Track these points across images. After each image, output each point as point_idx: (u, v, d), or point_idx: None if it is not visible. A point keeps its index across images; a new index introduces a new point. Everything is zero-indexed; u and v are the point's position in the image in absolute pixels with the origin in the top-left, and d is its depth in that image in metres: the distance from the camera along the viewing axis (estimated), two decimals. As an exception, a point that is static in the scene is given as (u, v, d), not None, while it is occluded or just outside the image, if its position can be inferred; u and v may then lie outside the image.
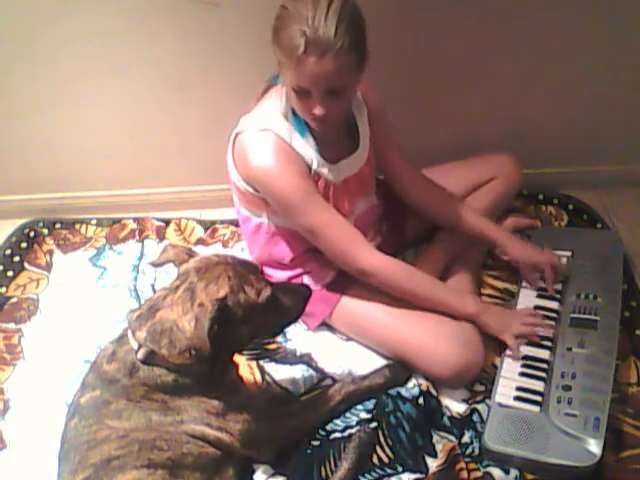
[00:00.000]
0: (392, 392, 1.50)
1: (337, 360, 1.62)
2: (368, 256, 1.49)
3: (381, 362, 1.59)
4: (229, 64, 1.85)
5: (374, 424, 1.44)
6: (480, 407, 1.48)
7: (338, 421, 1.48)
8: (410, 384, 1.52)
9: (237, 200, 1.62)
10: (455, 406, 1.51)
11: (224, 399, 1.29)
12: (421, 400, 1.48)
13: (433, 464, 1.40)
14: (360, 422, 1.46)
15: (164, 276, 1.87)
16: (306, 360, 1.64)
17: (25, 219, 2.17)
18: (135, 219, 2.15)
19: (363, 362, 1.60)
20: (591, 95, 1.93)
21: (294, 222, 1.50)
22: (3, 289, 1.94)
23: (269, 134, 1.42)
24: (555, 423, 1.36)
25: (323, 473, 1.39)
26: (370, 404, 1.49)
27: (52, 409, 1.56)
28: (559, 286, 1.68)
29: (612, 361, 1.47)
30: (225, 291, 1.20)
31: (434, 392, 1.51)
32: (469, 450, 1.41)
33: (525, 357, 1.51)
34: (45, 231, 2.14)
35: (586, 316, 1.58)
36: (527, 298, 1.67)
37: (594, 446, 1.31)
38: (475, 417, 1.47)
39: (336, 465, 1.39)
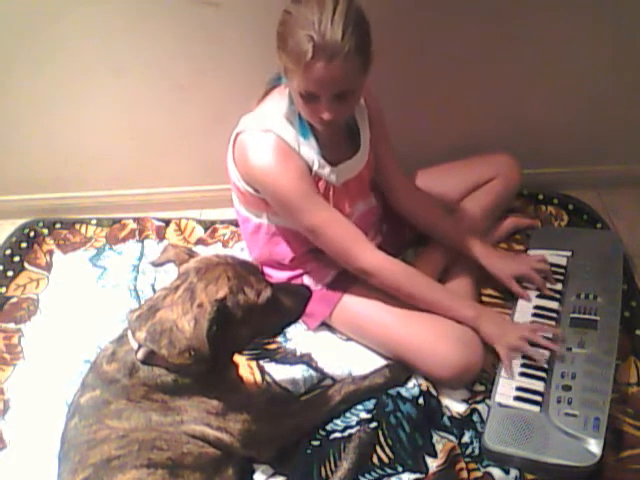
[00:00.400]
0: (392, 392, 1.50)
1: (337, 360, 1.62)
2: (369, 255, 1.49)
3: (381, 362, 1.59)
4: (229, 64, 1.85)
5: (374, 424, 1.44)
6: (480, 407, 1.48)
7: (338, 421, 1.48)
8: (410, 384, 1.52)
9: (237, 200, 1.62)
10: (455, 406, 1.51)
11: (224, 399, 1.28)
12: (421, 400, 1.48)
13: (433, 464, 1.40)
14: (360, 422, 1.46)
15: (164, 276, 1.88)
16: (306, 360, 1.64)
17: (25, 219, 2.17)
18: (135, 219, 2.15)
19: (363, 362, 1.60)
20: (591, 95, 1.93)
21: (295, 222, 1.50)
22: (3, 289, 1.94)
23: (271, 135, 1.42)
24: (555, 423, 1.36)
25: (323, 473, 1.39)
26: (370, 404, 1.49)
27: (52, 409, 1.56)
28: (559, 286, 1.68)
29: (612, 361, 1.47)
30: (225, 292, 1.20)
31: (434, 392, 1.51)
32: (469, 450, 1.41)
33: (525, 357, 1.51)
34: (45, 231, 2.14)
35: (586, 316, 1.57)
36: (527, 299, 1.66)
37: (594, 446, 1.31)
38: (475, 417, 1.47)
39: (336, 465, 1.39)
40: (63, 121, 2.00)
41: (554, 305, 1.63)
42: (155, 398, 1.24)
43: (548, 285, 1.67)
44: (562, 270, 1.72)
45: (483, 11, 1.75)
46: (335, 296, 1.62)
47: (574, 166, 2.09)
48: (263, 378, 1.60)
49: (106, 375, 1.25)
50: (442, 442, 1.43)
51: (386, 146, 1.65)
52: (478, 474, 1.36)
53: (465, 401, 1.52)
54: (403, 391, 1.50)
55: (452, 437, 1.44)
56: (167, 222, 2.14)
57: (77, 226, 2.16)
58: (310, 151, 1.46)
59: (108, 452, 1.19)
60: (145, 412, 1.23)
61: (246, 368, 1.61)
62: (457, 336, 1.49)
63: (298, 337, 1.69)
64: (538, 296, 1.66)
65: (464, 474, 1.35)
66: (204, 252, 1.38)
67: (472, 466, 1.37)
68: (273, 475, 1.39)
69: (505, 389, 1.45)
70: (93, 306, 1.85)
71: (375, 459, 1.41)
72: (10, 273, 1.99)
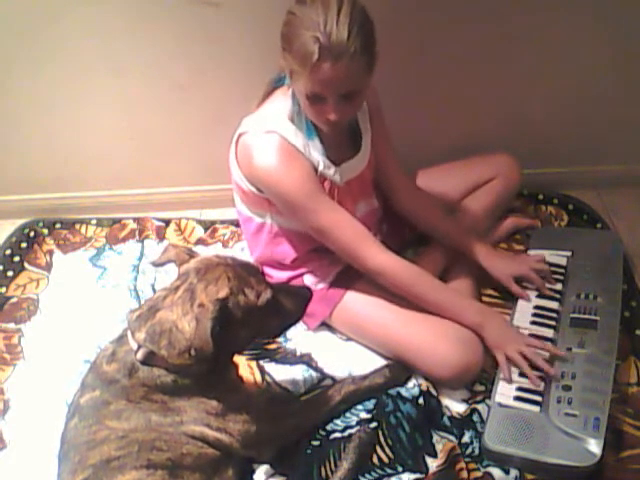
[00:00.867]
0: (392, 392, 1.50)
1: (337, 360, 1.62)
2: (377, 256, 1.49)
3: (381, 362, 1.59)
4: (229, 64, 1.85)
5: (374, 424, 1.44)
6: (480, 407, 1.48)
7: (338, 421, 1.48)
8: (410, 384, 1.52)
9: (239, 200, 1.62)
10: (455, 406, 1.51)
11: (224, 399, 1.28)
12: (421, 400, 1.48)
13: (433, 464, 1.40)
14: (360, 422, 1.46)
15: (164, 276, 1.87)
16: (306, 360, 1.64)
17: (25, 219, 2.17)
18: (135, 219, 2.15)
19: (363, 362, 1.60)
20: (591, 95, 1.93)
21: (301, 222, 1.50)
22: (3, 289, 1.94)
23: (275, 136, 1.41)
24: (555, 423, 1.36)
25: (323, 473, 1.39)
26: (370, 404, 1.49)
27: (52, 409, 1.55)
28: (559, 286, 1.68)
29: (612, 361, 1.47)
30: (225, 292, 1.20)
31: (434, 392, 1.51)
32: (469, 450, 1.41)
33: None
34: (45, 231, 2.14)
35: (586, 316, 1.57)
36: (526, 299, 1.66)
37: (594, 446, 1.31)
38: (475, 417, 1.47)
39: (336, 465, 1.39)
40: (63, 121, 2.00)
41: (554, 305, 1.63)
42: (155, 399, 1.24)
43: (548, 285, 1.67)
44: (562, 270, 1.72)
45: (483, 11, 1.75)
46: (335, 296, 1.62)
47: (574, 166, 2.09)
48: (263, 378, 1.60)
49: (106, 375, 1.25)
50: (442, 442, 1.43)
51: (387, 145, 1.65)
52: (478, 474, 1.36)
53: (465, 401, 1.52)
54: (403, 391, 1.50)
55: (452, 437, 1.44)
56: (167, 222, 2.13)
57: (77, 226, 2.16)
58: (315, 151, 1.46)
59: (108, 453, 1.19)
60: (145, 413, 1.23)
61: (246, 368, 1.61)
62: (457, 336, 1.49)
63: (298, 337, 1.69)
64: (538, 296, 1.66)
65: (464, 474, 1.35)
66: (204, 252, 1.38)
67: (472, 466, 1.37)
68: (273, 475, 1.39)
69: (505, 389, 1.45)
70: (93, 306, 1.85)
71: (375, 459, 1.41)
72: (10, 273, 1.99)
